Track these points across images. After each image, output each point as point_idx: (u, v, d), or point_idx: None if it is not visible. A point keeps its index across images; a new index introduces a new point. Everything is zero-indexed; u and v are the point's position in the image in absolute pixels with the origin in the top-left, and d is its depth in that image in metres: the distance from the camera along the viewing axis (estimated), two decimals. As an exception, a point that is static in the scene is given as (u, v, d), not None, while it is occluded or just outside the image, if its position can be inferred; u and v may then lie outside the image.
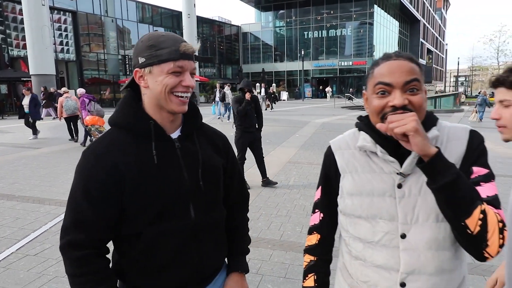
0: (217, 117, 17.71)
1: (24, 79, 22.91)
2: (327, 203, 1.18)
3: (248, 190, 1.47)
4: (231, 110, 19.11)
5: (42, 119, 15.73)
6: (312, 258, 1.22)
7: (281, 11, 46.97)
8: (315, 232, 1.22)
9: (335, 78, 44.45)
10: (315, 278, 1.20)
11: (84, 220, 1.07)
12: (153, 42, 1.09)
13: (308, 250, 1.23)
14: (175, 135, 1.18)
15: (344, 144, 1.15)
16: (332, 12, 43.68)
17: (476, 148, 1.02)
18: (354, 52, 43.24)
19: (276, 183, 6.01)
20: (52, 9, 25.02)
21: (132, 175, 1.08)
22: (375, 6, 42.25)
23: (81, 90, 10.38)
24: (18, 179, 6.61)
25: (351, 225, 1.09)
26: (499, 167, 7.40)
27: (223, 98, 17.19)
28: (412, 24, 57.60)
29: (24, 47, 22.62)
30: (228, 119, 16.72)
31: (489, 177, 1.00)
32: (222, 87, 17.62)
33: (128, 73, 31.66)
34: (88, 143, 9.87)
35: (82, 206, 1.07)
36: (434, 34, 72.74)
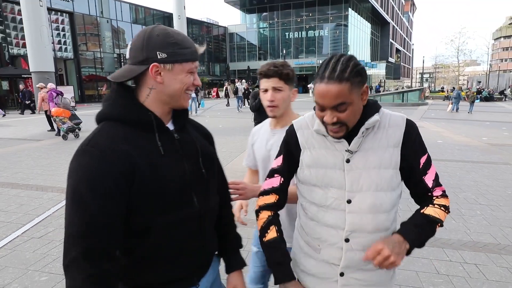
0: (237, 111, 18.63)
1: (25, 76, 22.21)
2: (287, 170, 1.26)
3: None
4: (240, 101, 19.42)
5: None
6: (269, 213, 1.26)
7: (264, 13, 46.57)
8: (273, 194, 1.26)
9: (314, 75, 44.37)
10: (276, 228, 1.23)
11: (96, 224, 0.89)
12: (175, 40, 1.00)
13: (266, 207, 1.27)
14: (170, 127, 1.12)
15: (305, 124, 1.23)
16: (310, 14, 43.55)
17: (415, 139, 1.13)
18: (331, 51, 43.24)
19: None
20: (50, 10, 24.18)
21: (142, 167, 0.97)
22: (350, 9, 42.33)
23: (50, 85, 10.30)
24: (22, 168, 6.47)
25: (308, 192, 1.20)
26: (457, 153, 7.60)
27: (236, 92, 17.25)
28: (382, 26, 58.01)
29: (24, 45, 21.85)
30: (238, 110, 18.30)
31: (429, 161, 1.15)
32: (233, 82, 17.88)
33: (123, 70, 30.93)
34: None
35: (91, 207, 0.89)
36: (402, 35, 73.39)
